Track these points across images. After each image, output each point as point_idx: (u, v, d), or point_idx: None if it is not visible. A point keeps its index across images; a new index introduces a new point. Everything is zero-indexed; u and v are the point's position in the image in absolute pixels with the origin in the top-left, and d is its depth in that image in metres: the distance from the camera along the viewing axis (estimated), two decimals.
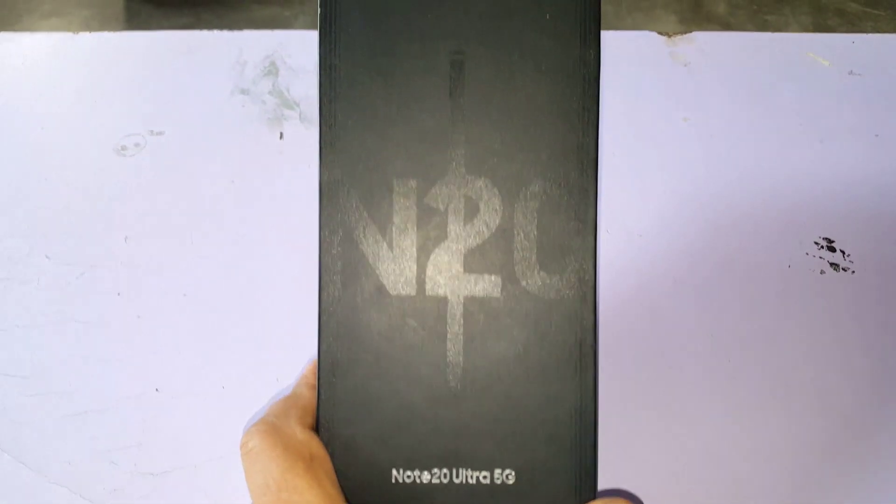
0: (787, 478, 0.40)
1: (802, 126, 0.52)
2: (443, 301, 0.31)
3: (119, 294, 0.46)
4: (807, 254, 0.46)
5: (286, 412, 0.32)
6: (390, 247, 0.32)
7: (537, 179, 0.32)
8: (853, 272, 0.46)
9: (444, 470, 0.31)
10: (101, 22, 1.45)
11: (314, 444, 0.31)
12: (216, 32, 0.58)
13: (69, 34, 0.59)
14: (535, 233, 0.32)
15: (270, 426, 0.31)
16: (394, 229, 0.32)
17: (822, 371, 0.43)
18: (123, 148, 0.52)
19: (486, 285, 0.31)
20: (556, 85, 0.31)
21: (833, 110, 0.52)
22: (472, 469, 0.31)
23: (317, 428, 0.32)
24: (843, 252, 0.46)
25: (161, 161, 0.51)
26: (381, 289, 0.31)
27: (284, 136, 0.52)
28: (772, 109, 0.53)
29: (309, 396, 0.33)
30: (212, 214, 0.49)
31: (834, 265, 0.46)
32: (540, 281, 0.32)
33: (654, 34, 0.57)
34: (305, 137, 0.52)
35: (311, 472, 0.29)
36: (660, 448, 0.41)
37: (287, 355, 0.43)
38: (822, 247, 0.46)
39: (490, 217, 0.31)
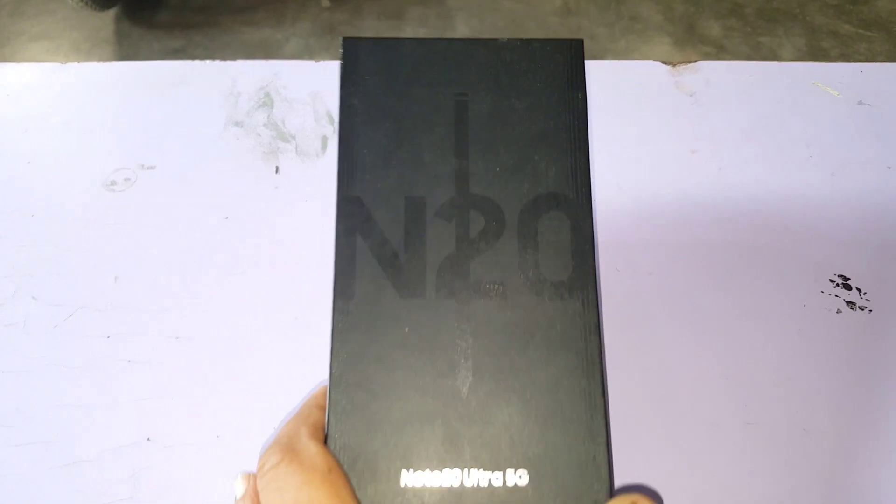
0: None
1: (813, 158, 0.50)
2: (451, 305, 0.33)
3: (108, 337, 0.44)
4: (822, 292, 0.45)
5: (297, 430, 0.32)
6: (400, 256, 0.34)
7: (537, 194, 0.35)
8: (870, 311, 0.44)
9: (455, 471, 0.31)
10: (91, 45, 1.44)
11: (329, 457, 0.31)
12: (208, 62, 0.57)
13: (57, 64, 0.58)
14: (538, 240, 0.34)
15: (285, 445, 0.31)
16: (405, 241, 0.34)
17: (840, 413, 0.42)
18: (113, 183, 0.50)
19: (494, 289, 0.33)
20: (549, 120, 0.36)
21: (843, 141, 0.51)
22: (484, 470, 0.31)
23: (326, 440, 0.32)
24: (859, 290, 0.45)
25: (152, 197, 0.49)
26: (391, 296, 0.33)
27: (280, 169, 0.51)
28: (781, 141, 0.51)
29: (318, 415, 0.33)
30: (205, 253, 0.47)
31: (850, 304, 0.44)
32: (545, 281, 0.34)
33: (659, 63, 0.55)
34: (301, 171, 0.50)
35: (328, 484, 0.30)
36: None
37: (285, 400, 0.41)
38: (838, 285, 0.45)
39: (495, 228, 0.34)
